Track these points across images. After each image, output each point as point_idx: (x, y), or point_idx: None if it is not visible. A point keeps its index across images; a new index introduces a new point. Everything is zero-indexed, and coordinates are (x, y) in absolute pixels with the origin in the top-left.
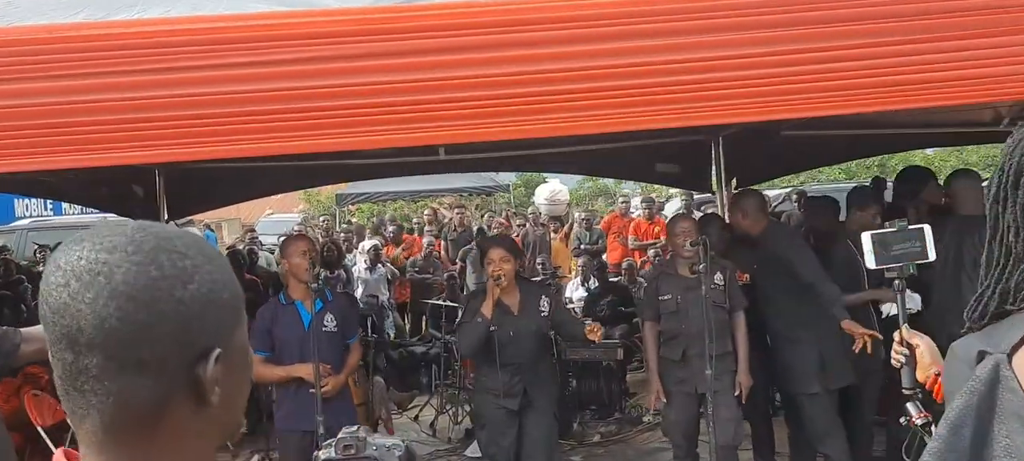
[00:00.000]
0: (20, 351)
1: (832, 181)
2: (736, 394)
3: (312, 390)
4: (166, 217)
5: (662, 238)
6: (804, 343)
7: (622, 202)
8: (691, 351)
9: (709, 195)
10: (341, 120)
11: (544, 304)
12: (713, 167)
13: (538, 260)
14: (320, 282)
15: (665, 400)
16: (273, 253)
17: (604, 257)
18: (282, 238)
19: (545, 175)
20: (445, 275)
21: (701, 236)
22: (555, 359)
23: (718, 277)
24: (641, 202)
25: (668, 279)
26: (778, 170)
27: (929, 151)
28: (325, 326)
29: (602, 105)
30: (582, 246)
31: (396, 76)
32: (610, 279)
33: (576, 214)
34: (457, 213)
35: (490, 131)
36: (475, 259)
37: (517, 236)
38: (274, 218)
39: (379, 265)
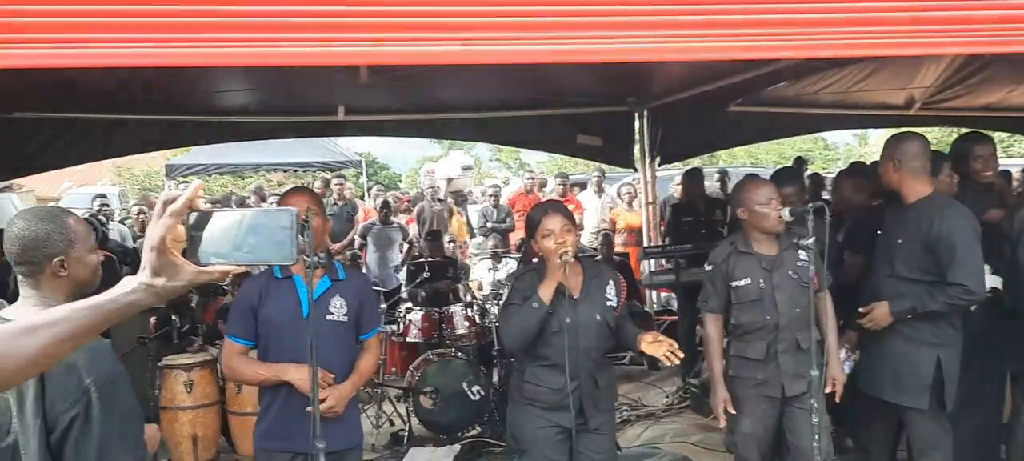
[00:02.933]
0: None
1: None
2: (828, 391)
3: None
4: None
5: (577, 215)
6: (924, 346)
7: (528, 178)
8: (778, 345)
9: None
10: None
11: (611, 291)
12: (637, 141)
13: (446, 239)
14: (320, 256)
15: (734, 411)
16: (127, 225)
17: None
18: (138, 207)
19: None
20: (349, 254)
21: (808, 202)
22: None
23: (803, 252)
24: (555, 178)
25: (744, 259)
26: (703, 147)
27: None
28: (330, 313)
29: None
30: (490, 224)
31: None
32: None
33: (483, 188)
34: (338, 185)
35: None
36: (378, 236)
37: (412, 212)
38: (83, 191)
39: None
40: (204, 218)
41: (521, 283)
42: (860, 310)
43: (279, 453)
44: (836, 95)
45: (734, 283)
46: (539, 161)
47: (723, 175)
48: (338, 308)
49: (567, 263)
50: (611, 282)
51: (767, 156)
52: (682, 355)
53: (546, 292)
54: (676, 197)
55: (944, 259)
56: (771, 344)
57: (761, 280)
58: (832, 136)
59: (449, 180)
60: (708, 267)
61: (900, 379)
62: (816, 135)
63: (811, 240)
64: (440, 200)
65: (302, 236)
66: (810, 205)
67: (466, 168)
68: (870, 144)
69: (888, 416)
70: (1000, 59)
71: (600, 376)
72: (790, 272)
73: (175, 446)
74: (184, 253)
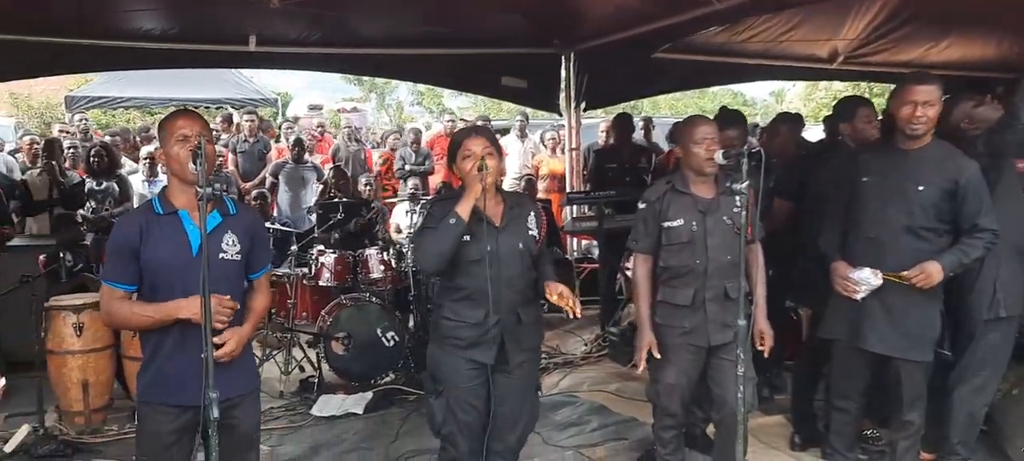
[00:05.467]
0: None
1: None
2: (760, 348)
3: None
4: None
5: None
6: (934, 299)
7: (448, 120)
8: (706, 293)
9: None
10: None
11: (532, 221)
12: (562, 85)
13: (363, 181)
14: (215, 187)
15: (659, 356)
16: (16, 158)
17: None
18: (30, 138)
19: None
20: (255, 194)
21: (747, 147)
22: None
23: (739, 199)
24: (478, 122)
25: (678, 200)
26: (628, 93)
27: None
28: (223, 251)
29: None
30: (408, 166)
31: None
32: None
33: (406, 131)
34: (248, 120)
35: None
36: (291, 175)
37: (328, 152)
38: None
39: (160, 175)
40: None
41: (437, 208)
42: (903, 274)
43: (166, 407)
44: (763, 44)
45: (666, 223)
46: (461, 107)
47: (648, 123)
48: (231, 245)
49: (485, 178)
50: (532, 213)
51: (688, 109)
52: (579, 311)
53: (464, 209)
54: (600, 144)
55: (973, 205)
56: (699, 290)
57: (694, 222)
58: (750, 92)
59: (296, 119)
60: (641, 205)
61: (911, 335)
62: (735, 90)
63: (744, 185)
64: (358, 141)
65: (195, 165)
66: (746, 149)
67: (313, 107)
68: (786, 101)
69: (865, 370)
70: (922, 15)
71: (524, 311)
72: (725, 217)
73: (63, 392)
74: None
